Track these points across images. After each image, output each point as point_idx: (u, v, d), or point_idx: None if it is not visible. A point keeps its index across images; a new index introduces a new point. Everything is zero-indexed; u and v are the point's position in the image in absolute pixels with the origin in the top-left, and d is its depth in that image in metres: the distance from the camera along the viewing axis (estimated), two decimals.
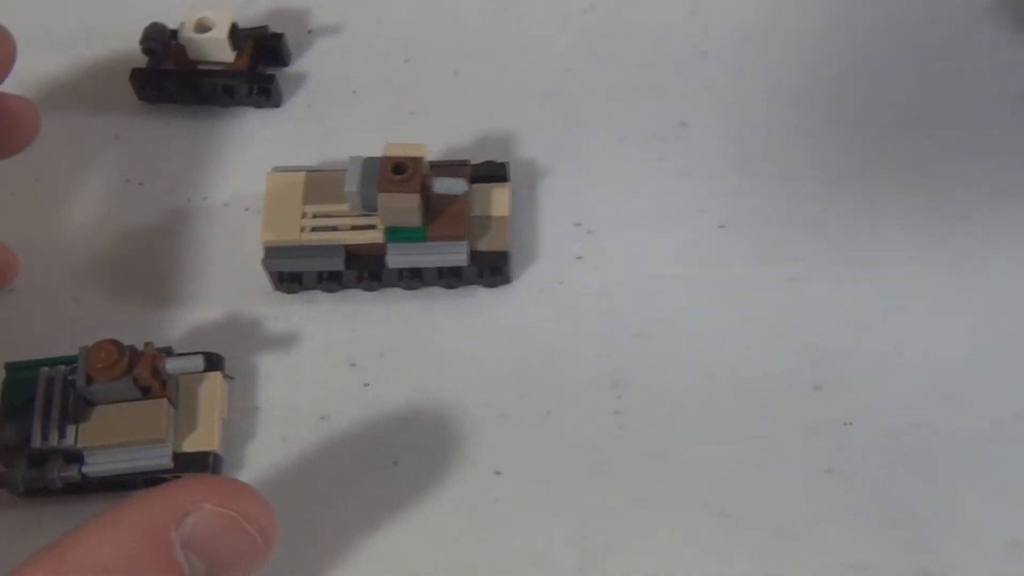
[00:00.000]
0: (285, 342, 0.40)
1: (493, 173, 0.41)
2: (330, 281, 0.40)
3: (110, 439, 0.36)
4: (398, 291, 0.40)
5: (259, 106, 0.44)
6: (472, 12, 0.47)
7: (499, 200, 0.40)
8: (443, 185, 0.38)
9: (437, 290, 0.40)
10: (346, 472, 0.37)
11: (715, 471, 0.37)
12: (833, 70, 0.45)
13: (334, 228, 0.39)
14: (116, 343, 0.36)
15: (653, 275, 0.41)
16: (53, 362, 0.37)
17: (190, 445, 0.37)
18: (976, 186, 0.42)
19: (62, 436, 0.36)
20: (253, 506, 0.28)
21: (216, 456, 0.37)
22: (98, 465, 0.36)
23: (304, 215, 0.39)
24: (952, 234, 0.41)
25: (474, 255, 0.39)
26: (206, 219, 0.42)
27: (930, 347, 0.39)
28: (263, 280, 0.40)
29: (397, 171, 0.38)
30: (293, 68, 0.46)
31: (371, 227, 0.39)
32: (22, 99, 0.37)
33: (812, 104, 0.44)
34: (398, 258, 0.39)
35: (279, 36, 0.45)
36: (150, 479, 0.36)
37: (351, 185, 0.38)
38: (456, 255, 0.39)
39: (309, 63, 0.46)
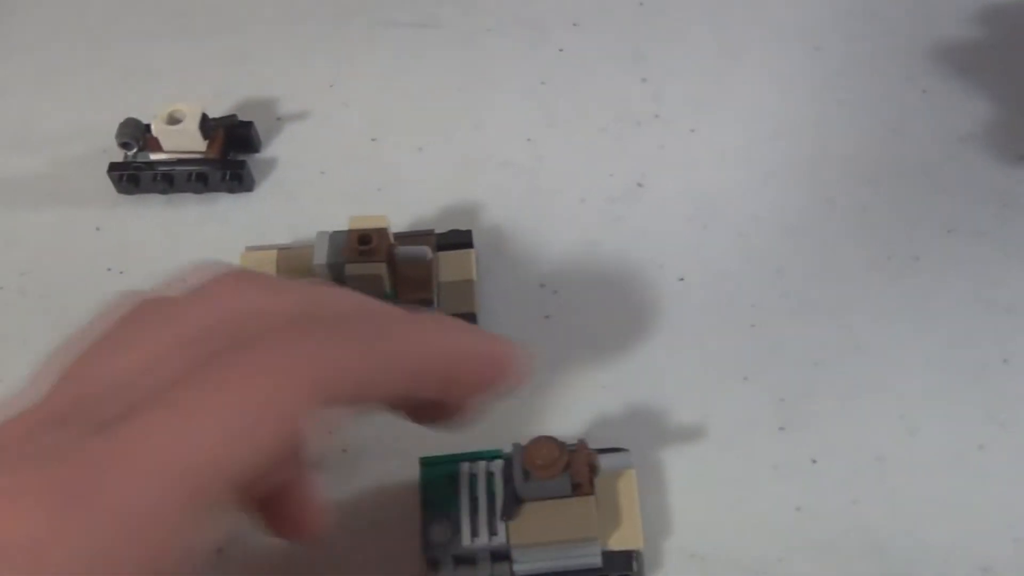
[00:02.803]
0: None
1: (458, 240, 0.43)
2: None
3: (542, 537, 0.34)
4: None
5: (232, 191, 0.46)
6: (432, 91, 0.49)
7: (464, 265, 0.42)
8: (407, 252, 0.40)
9: None
10: None
11: (687, 514, 0.38)
12: (776, 125, 0.47)
13: None
14: (556, 440, 0.34)
15: (617, 331, 0.42)
16: (469, 457, 0.36)
17: (616, 543, 0.35)
18: (925, 227, 0.44)
19: (493, 534, 0.34)
20: None
21: (639, 555, 0.35)
22: (528, 564, 0.34)
23: None
24: (906, 274, 0.43)
25: None
26: None
27: (890, 383, 0.40)
28: None
29: (363, 242, 0.39)
30: (264, 154, 0.48)
31: None
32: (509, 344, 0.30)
33: (760, 159, 0.46)
34: None
35: (248, 124, 0.47)
36: None
37: (320, 258, 0.40)
38: None
39: (279, 148, 0.48)
